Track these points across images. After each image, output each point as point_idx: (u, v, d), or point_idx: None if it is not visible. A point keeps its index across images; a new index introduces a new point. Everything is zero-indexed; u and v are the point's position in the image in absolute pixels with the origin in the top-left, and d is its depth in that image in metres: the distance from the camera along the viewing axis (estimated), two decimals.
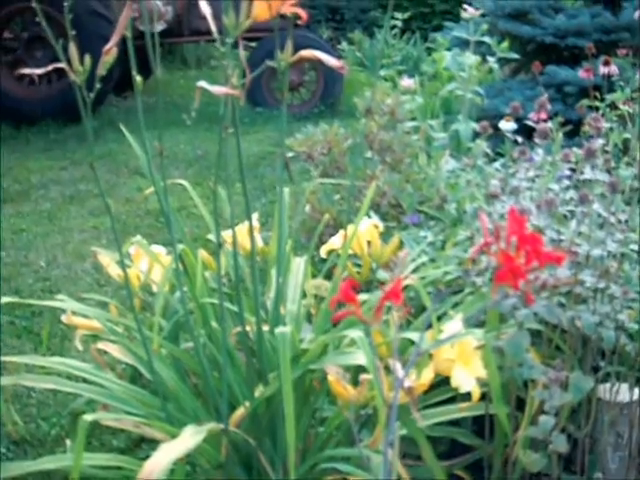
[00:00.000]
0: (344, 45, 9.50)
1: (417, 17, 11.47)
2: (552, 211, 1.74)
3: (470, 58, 3.28)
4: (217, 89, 1.45)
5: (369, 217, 2.67)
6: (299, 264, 2.50)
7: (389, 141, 3.69)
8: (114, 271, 2.44)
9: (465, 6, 3.59)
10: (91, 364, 2.33)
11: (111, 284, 4.01)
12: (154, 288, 2.42)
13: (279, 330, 1.70)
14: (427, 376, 1.77)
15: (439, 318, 2.03)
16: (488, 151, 2.35)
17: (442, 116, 5.34)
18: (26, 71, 1.92)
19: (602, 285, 1.79)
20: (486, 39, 3.32)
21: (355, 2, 11.65)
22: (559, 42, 5.35)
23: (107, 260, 2.45)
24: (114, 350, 2.35)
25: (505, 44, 3.37)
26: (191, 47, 10.04)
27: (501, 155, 3.94)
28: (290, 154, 3.91)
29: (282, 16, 6.41)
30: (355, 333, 1.64)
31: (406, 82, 3.21)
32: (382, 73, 7.86)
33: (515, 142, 2.66)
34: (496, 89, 5.68)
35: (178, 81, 9.26)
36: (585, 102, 3.61)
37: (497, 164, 2.57)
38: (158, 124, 2.05)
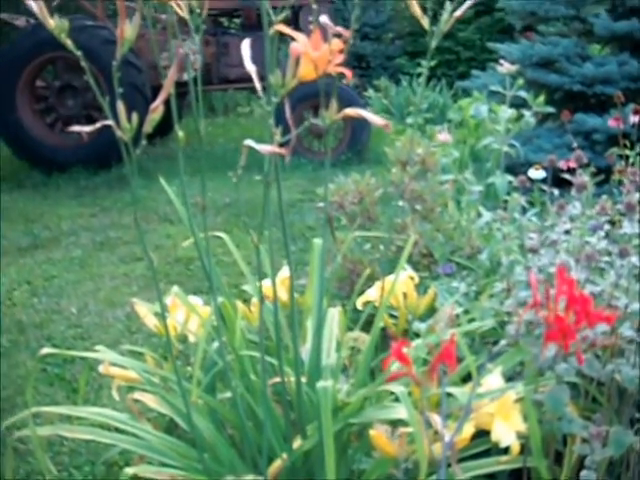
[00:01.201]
0: (370, 92, 9.58)
1: (442, 64, 11.56)
2: (591, 265, 1.75)
3: (506, 112, 3.30)
4: (263, 148, 1.48)
5: (404, 269, 2.69)
6: (333, 315, 2.52)
7: (420, 191, 3.70)
8: (150, 322, 2.46)
9: (501, 61, 3.62)
10: (126, 414, 2.34)
11: (142, 332, 4.03)
12: (190, 339, 2.44)
13: (320, 384, 1.71)
14: (467, 430, 1.76)
15: (477, 370, 2.03)
16: (524, 204, 2.36)
17: (471, 164, 5.37)
18: (75, 129, 1.95)
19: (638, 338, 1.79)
20: (522, 93, 3.34)
21: (381, 49, 11.76)
22: (587, 90, 5.38)
23: (144, 310, 2.47)
24: (150, 400, 2.35)
25: (541, 99, 3.39)
26: (218, 94, 10.16)
27: (531, 204, 3.95)
28: (321, 203, 3.94)
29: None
30: (396, 388, 1.64)
31: (443, 136, 3.22)
32: (409, 121, 7.92)
33: (544, 190, 2.68)
34: (524, 137, 5.70)
35: (206, 128, 9.34)
36: (615, 150, 3.63)
37: (531, 214, 2.58)
38: (197, 172, 2.08)
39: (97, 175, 7.40)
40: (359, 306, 2.42)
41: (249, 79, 4.64)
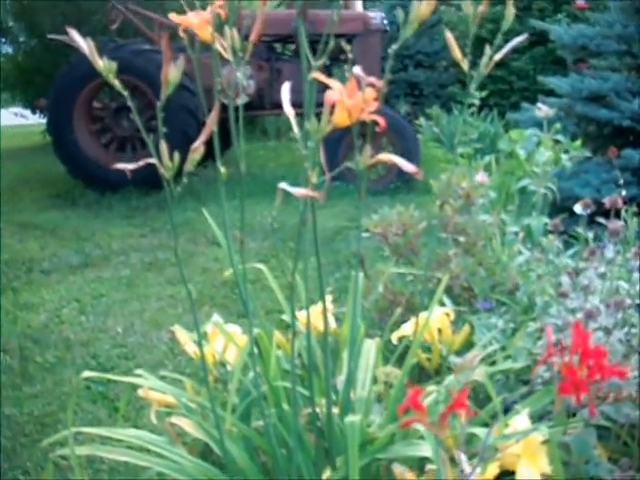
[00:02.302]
0: (422, 120, 9.62)
1: (495, 93, 11.56)
2: (620, 311, 1.77)
3: (544, 155, 3.32)
4: (298, 191, 1.53)
5: (442, 304, 2.72)
6: (370, 347, 2.56)
7: (463, 224, 3.73)
8: (191, 348, 2.52)
9: (539, 104, 3.65)
10: (163, 437, 2.40)
11: (185, 354, 4.09)
12: (228, 367, 2.50)
13: (348, 419, 1.75)
14: (492, 471, 1.79)
15: (507, 410, 2.05)
16: (559, 245, 2.38)
17: (517, 197, 5.39)
18: (119, 166, 2.03)
19: None
20: (559, 137, 3.36)
21: (434, 77, 11.80)
22: (636, 126, 5.36)
23: (184, 338, 2.54)
24: (187, 425, 2.41)
25: (578, 142, 3.41)
26: (272, 119, 10.27)
27: (575, 238, 3.95)
28: (365, 234, 3.99)
29: None
30: (422, 426, 1.68)
31: (481, 177, 3.26)
32: (458, 150, 7.94)
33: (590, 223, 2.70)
34: (572, 171, 5.70)
35: (257, 152, 9.47)
36: None
37: (569, 254, 2.60)
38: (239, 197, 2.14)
39: (148, 196, 7.53)
40: (394, 340, 2.46)
41: (301, 105, 4.70)
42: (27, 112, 11.50)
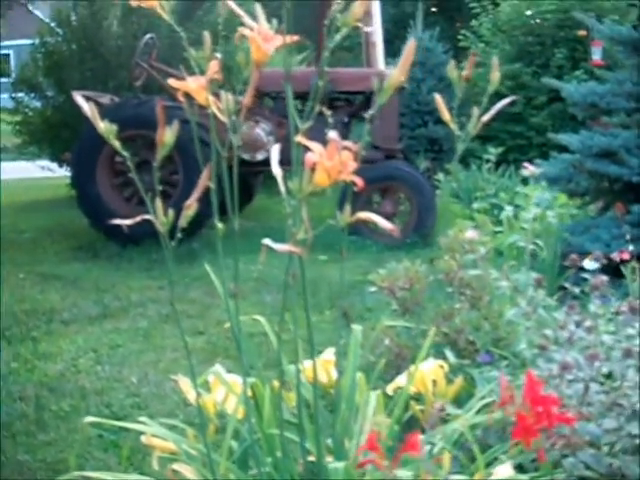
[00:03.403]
0: (440, 176, 9.73)
1: (514, 149, 11.67)
2: (595, 365, 1.84)
3: (531, 213, 3.42)
4: (280, 247, 1.62)
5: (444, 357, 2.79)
6: (371, 399, 2.63)
7: (468, 279, 3.81)
8: (193, 397, 2.60)
9: (525, 164, 3.75)
10: None
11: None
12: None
13: (332, 465, 1.82)
14: None
15: (492, 461, 2.11)
16: (549, 300, 2.45)
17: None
18: (116, 222, 2.14)
19: None
20: (546, 195, 3.45)
21: (453, 133, 11.92)
22: None
23: (187, 386, 2.62)
24: (188, 472, 2.49)
25: (563, 199, 3.49)
26: (291, 174, 10.41)
27: (586, 294, 4.02)
28: (373, 288, 4.08)
29: (375, 147, 6.70)
30: (403, 473, 1.75)
31: (471, 234, 3.37)
32: (475, 206, 8.04)
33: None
34: (583, 226, 5.77)
35: (276, 206, 9.60)
36: None
37: (561, 311, 2.67)
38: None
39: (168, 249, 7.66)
40: (389, 392, 2.53)
41: None
42: (54, 165, 11.73)
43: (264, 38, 1.71)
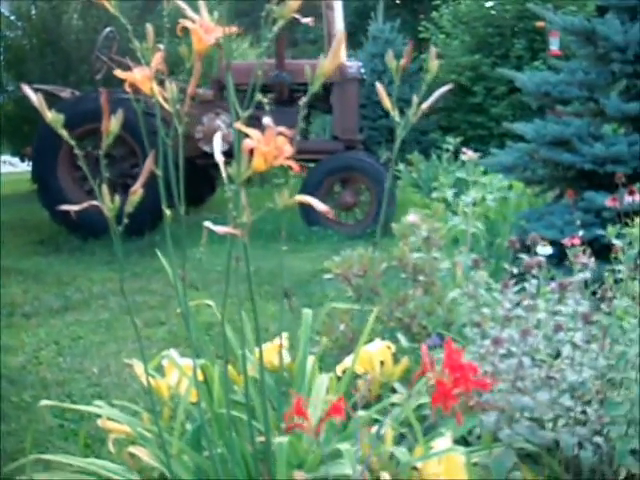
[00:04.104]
0: (401, 166, 9.82)
1: (476, 139, 11.80)
2: (528, 340, 1.93)
3: (470, 197, 3.51)
4: (220, 229, 1.69)
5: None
6: (323, 381, 2.71)
7: (422, 265, 3.89)
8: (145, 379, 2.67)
9: (464, 149, 3.86)
10: (122, 466, 2.55)
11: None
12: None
13: (277, 440, 1.89)
14: None
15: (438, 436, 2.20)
16: (490, 281, 2.54)
17: (488, 236, 5.57)
18: (64, 207, 2.19)
19: (579, 409, 1.95)
20: (484, 179, 3.54)
21: (414, 124, 12.03)
22: (598, 169, 5.54)
23: (140, 370, 2.68)
24: (143, 454, 2.55)
25: (504, 183, 3.59)
26: None
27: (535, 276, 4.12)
28: (328, 275, 4.15)
29: (335, 138, 6.79)
30: (343, 446, 1.82)
31: (412, 218, 3.46)
32: (434, 195, 8.13)
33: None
34: (539, 213, 5.88)
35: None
36: (610, 232, 3.80)
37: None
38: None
39: (130, 242, 7.68)
40: (339, 373, 2.61)
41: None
42: (15, 160, 11.71)
43: (205, 30, 1.77)
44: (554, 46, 10.64)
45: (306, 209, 8.17)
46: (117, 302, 6.11)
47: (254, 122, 5.99)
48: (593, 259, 3.67)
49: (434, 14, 14.07)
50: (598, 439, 1.99)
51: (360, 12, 18.67)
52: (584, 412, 1.98)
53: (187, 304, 2.16)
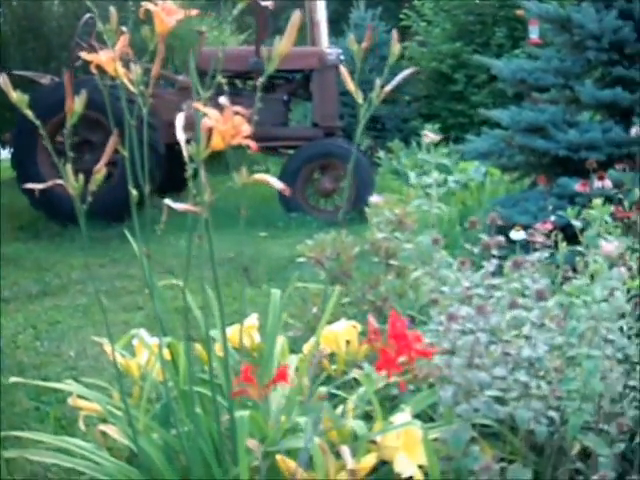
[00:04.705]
0: (381, 154, 9.86)
1: (456, 127, 11.84)
2: (484, 316, 1.98)
3: (432, 178, 3.57)
4: (180, 206, 1.73)
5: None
6: (293, 360, 2.76)
7: (394, 248, 3.93)
8: (117, 359, 2.71)
9: (425, 132, 3.93)
10: (92, 444, 2.60)
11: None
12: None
13: (238, 414, 1.94)
14: (369, 460, 1.98)
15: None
16: (450, 260, 2.58)
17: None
18: (29, 186, 2.24)
19: (532, 383, 2.01)
20: (446, 161, 3.60)
21: (396, 111, 12.10)
22: (572, 155, 5.60)
23: (110, 350, 2.72)
24: (113, 432, 2.60)
25: (463, 165, 3.65)
26: (235, 153, 10.48)
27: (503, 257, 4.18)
28: (301, 259, 4.20)
29: (315, 125, 6.83)
30: (302, 419, 1.87)
31: (375, 199, 3.54)
32: (413, 182, 8.18)
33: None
34: (514, 199, 5.94)
35: (218, 185, 9.66)
36: (570, 213, 3.87)
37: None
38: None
39: (110, 227, 7.71)
40: (305, 352, 2.66)
41: (260, 139, 5.01)
42: None
43: (167, 12, 1.81)
44: (534, 34, 10.67)
45: (286, 196, 8.21)
46: (96, 287, 6.14)
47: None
48: (563, 242, 3.72)
49: (416, 2, 14.10)
50: (553, 414, 2.05)
51: (343, 0, 18.66)
52: (539, 387, 2.03)
53: (152, 280, 2.19)
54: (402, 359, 1.26)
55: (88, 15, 8.98)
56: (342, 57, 8.65)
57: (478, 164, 7.49)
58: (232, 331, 2.95)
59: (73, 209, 7.98)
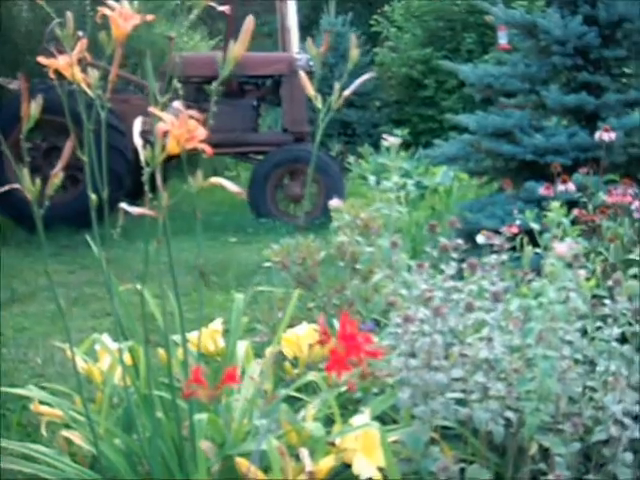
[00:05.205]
0: (351, 159, 9.89)
1: (426, 132, 11.90)
2: (441, 317, 2.00)
3: (391, 182, 3.61)
4: (135, 210, 1.73)
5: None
6: (257, 364, 2.77)
7: (359, 253, 3.95)
8: (78, 364, 2.71)
9: (385, 135, 3.98)
10: (54, 449, 2.59)
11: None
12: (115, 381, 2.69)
13: (196, 417, 1.94)
14: (327, 462, 1.99)
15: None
16: (410, 263, 2.60)
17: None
18: None
19: (490, 385, 2.03)
20: (405, 165, 3.63)
21: (366, 117, 12.15)
22: (539, 159, 5.64)
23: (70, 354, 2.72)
24: (76, 437, 2.60)
25: (421, 169, 3.68)
26: (206, 158, 10.47)
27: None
28: (267, 264, 4.21)
29: (284, 130, 6.84)
30: (260, 422, 1.88)
31: (334, 202, 3.58)
32: (381, 187, 8.21)
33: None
34: (482, 204, 5.98)
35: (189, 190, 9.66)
36: (528, 216, 3.92)
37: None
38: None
39: (79, 234, 7.67)
40: (267, 355, 2.67)
41: (230, 145, 4.90)
42: None
43: (124, 17, 1.81)
44: (503, 40, 10.73)
45: (255, 201, 8.21)
46: (64, 294, 6.11)
47: (201, 114, 5.92)
48: (529, 245, 3.74)
49: (386, 7, 14.16)
50: (510, 414, 2.07)
51: (315, 5, 18.70)
52: (497, 388, 2.05)
53: (111, 284, 2.19)
54: (352, 360, 1.27)
55: (57, 20, 8.94)
56: (311, 63, 8.67)
57: (446, 169, 7.54)
58: (196, 336, 2.98)
59: (40, 216, 7.84)
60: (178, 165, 10.02)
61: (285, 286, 5.20)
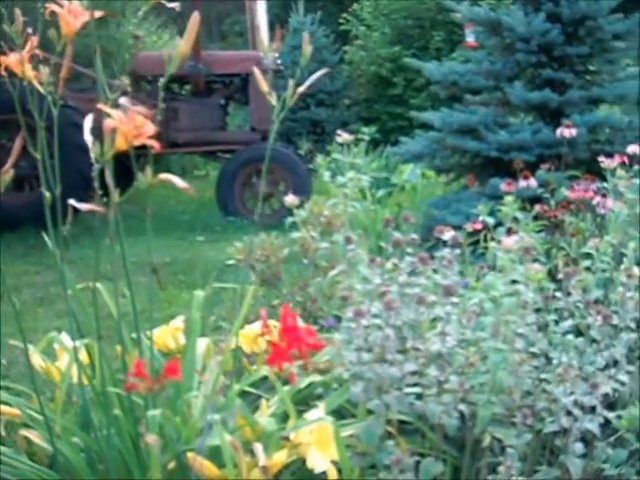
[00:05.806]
0: (319, 157, 9.89)
1: (396, 130, 11.93)
2: (394, 311, 2.01)
3: (345, 178, 3.65)
4: (83, 206, 1.74)
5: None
6: (217, 360, 2.77)
7: (318, 249, 3.96)
8: (37, 363, 2.71)
9: (339, 131, 4.01)
10: (12, 448, 2.59)
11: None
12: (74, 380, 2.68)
13: (149, 412, 1.95)
14: (281, 457, 2.00)
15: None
16: (365, 258, 2.61)
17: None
18: None
19: (442, 378, 2.05)
20: (359, 160, 3.67)
21: (336, 115, 12.17)
22: (503, 156, 5.69)
23: (31, 353, 2.71)
24: (34, 436, 2.59)
25: (375, 164, 3.71)
26: (176, 157, 10.46)
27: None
28: (231, 261, 4.22)
29: (252, 129, 6.84)
30: (212, 417, 1.89)
31: (290, 199, 3.61)
32: (349, 185, 8.23)
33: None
34: (447, 201, 6.02)
35: (158, 190, 9.64)
36: (483, 210, 3.97)
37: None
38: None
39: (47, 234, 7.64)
40: (219, 350, 2.68)
41: (198, 143, 4.90)
42: None
43: (73, 14, 1.82)
44: (470, 38, 10.79)
45: (224, 199, 8.20)
46: (30, 294, 6.10)
47: (169, 113, 6.02)
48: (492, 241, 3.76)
49: (355, 6, 14.18)
50: (462, 407, 2.09)
51: (285, 5, 18.70)
52: (449, 381, 2.07)
53: (66, 283, 2.19)
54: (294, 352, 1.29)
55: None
56: (279, 61, 8.68)
57: (413, 166, 7.57)
58: (158, 333, 2.99)
59: (8, 215, 7.99)
60: (147, 162, 9.97)
61: (250, 284, 5.21)
